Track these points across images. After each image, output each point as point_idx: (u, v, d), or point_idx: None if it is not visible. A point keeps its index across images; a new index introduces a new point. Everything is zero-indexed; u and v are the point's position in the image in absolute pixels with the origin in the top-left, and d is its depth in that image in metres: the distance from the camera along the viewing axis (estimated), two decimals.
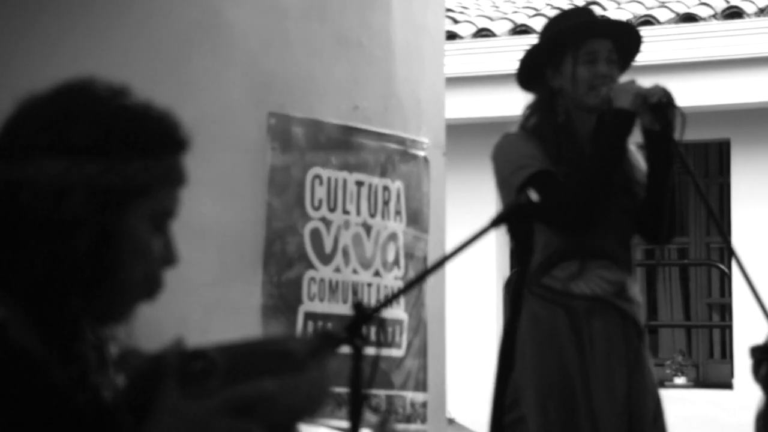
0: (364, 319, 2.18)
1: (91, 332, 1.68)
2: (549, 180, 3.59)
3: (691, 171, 3.51)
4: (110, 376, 1.70)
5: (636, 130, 3.72)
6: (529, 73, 3.82)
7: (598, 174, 3.60)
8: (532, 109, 3.82)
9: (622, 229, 3.74)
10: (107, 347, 1.70)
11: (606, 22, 3.77)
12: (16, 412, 1.50)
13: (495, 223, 2.51)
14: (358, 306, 2.24)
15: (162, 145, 1.67)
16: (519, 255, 3.88)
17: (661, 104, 3.56)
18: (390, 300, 2.47)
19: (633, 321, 3.69)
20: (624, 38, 3.75)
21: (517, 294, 3.80)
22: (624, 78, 3.76)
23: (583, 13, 3.82)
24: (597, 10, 9.63)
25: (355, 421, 2.31)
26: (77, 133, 1.63)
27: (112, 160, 1.63)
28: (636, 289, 3.76)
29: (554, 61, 3.73)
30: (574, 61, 3.68)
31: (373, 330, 2.54)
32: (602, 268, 3.68)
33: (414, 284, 2.54)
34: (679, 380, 10.16)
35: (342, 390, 2.32)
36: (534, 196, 2.50)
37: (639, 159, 3.84)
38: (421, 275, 2.58)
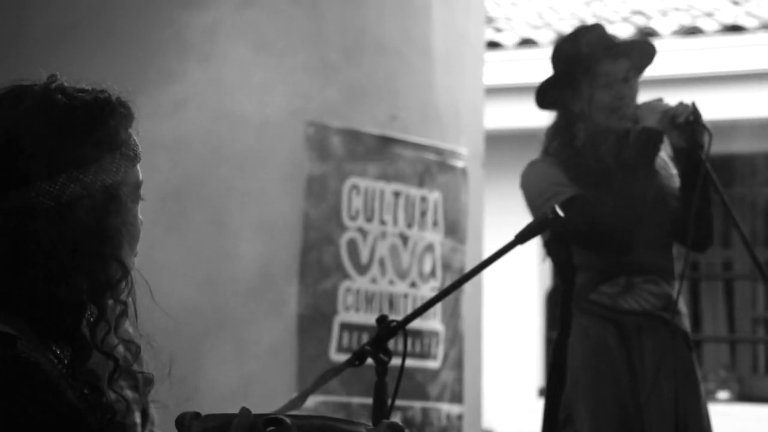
0: (388, 334, 2.16)
1: (102, 341, 1.67)
2: (583, 205, 3.57)
3: (719, 186, 3.51)
4: (120, 387, 1.69)
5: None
6: (546, 94, 3.79)
7: (628, 192, 3.57)
8: (553, 133, 3.79)
9: (661, 241, 3.73)
10: (117, 355, 1.69)
11: (620, 44, 3.73)
12: (29, 428, 1.50)
13: (521, 238, 2.48)
14: (381, 320, 2.22)
15: (118, 123, 1.68)
16: (561, 274, 3.87)
17: (688, 122, 3.55)
18: (414, 315, 2.43)
19: (682, 333, 3.68)
20: (639, 53, 3.72)
21: (566, 311, 3.78)
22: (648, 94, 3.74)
23: (594, 32, 3.76)
24: (641, 21, 9.56)
25: None
26: (68, 150, 1.62)
27: (101, 162, 1.63)
28: (680, 299, 3.74)
29: (571, 84, 3.70)
30: (591, 86, 3.66)
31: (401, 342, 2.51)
32: (648, 282, 3.69)
33: (433, 303, 2.49)
34: (723, 395, 10.06)
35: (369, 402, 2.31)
36: (560, 211, 2.47)
37: (671, 169, 3.81)
38: (439, 296, 2.54)
